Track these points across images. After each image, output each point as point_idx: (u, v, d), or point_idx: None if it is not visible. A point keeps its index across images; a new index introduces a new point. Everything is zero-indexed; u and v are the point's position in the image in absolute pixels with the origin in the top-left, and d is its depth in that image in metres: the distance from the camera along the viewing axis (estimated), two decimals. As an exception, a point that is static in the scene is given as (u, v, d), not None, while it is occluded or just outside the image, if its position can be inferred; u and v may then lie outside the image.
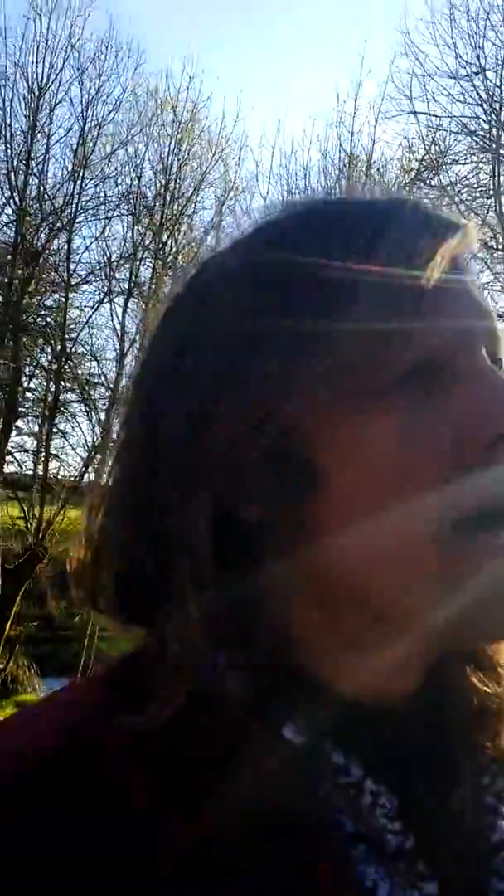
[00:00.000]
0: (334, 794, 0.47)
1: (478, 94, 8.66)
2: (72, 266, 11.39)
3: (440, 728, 0.53)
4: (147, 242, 12.06)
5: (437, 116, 9.29)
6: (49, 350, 11.59)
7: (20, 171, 11.04)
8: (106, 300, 11.72)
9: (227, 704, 0.47)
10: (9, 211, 11.19)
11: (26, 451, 11.79)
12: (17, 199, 11.07)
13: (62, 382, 11.54)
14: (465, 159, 9.82)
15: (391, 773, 0.48)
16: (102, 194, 11.65)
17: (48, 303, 11.75)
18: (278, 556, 0.50)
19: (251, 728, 0.46)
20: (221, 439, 0.49)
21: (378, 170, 11.90)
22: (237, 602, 0.49)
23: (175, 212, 12.00)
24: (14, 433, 11.30)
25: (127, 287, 11.66)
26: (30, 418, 12.04)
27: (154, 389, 0.54)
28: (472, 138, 9.15)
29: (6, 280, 11.02)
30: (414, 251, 0.49)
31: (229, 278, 0.53)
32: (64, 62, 11.28)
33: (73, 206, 11.28)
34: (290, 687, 0.48)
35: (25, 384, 11.73)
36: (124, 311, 11.51)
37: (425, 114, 9.31)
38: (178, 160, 12.07)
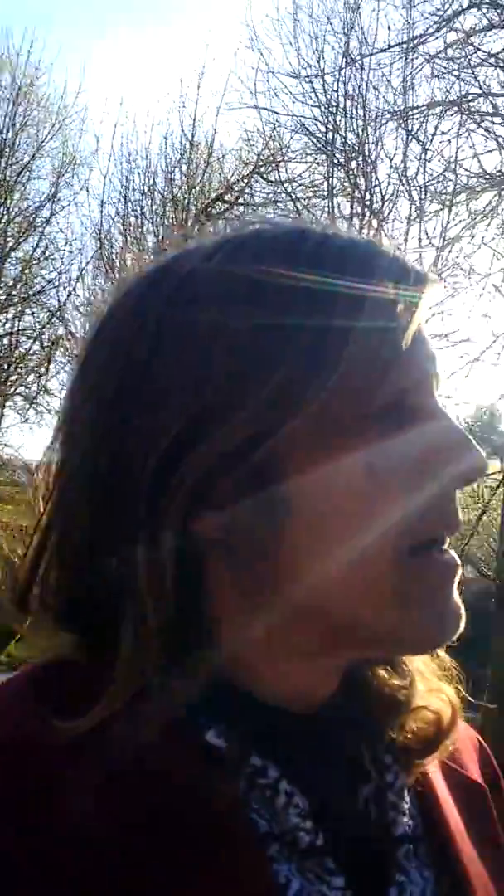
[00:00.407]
0: (251, 795, 0.51)
1: (317, 96, 8.94)
2: None
3: (349, 731, 0.57)
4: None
5: (277, 113, 9.50)
6: None
7: None
8: None
9: (157, 710, 0.49)
10: None
11: None
12: None
13: None
14: (302, 158, 10.13)
15: (303, 775, 0.52)
16: None
17: None
18: (238, 578, 0.54)
19: (177, 732, 0.50)
20: (197, 466, 0.51)
21: (218, 160, 12.01)
22: (191, 619, 0.52)
23: (8, 178, 11.49)
24: None
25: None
26: None
27: (116, 406, 0.54)
28: (309, 139, 9.44)
29: None
30: (395, 301, 0.53)
31: (216, 300, 0.53)
32: None
33: None
34: (216, 695, 0.52)
35: None
36: None
37: (267, 109, 9.49)
38: (16, 126, 11.55)
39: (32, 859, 0.46)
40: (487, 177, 7.93)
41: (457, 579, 0.54)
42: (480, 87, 7.98)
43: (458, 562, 0.55)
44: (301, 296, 0.52)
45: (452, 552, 0.55)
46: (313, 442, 0.52)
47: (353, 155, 8.67)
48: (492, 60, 8.05)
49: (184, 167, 11.57)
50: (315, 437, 0.52)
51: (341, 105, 8.66)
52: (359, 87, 8.54)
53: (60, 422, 0.58)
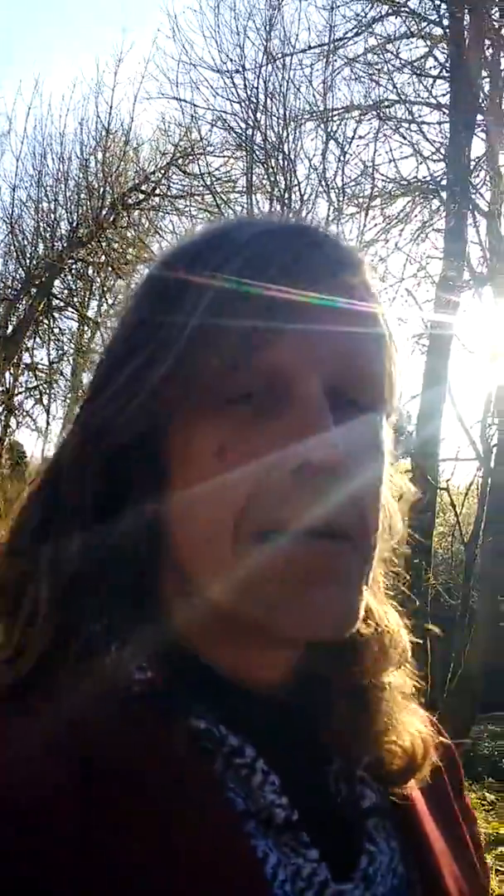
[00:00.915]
0: (226, 774, 0.52)
1: (237, 91, 8.94)
2: None
3: (315, 712, 0.59)
4: None
5: (197, 106, 9.45)
6: None
7: None
8: None
9: (132, 691, 0.52)
10: None
11: None
12: None
13: None
14: (221, 152, 10.12)
15: (275, 754, 0.54)
16: None
17: None
18: (148, 539, 0.56)
19: (156, 714, 0.51)
20: (98, 423, 0.57)
21: (134, 149, 11.85)
22: (136, 594, 0.56)
23: None
24: None
25: None
26: None
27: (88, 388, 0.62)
28: (229, 133, 9.44)
29: None
30: (252, 296, 0.53)
31: (135, 291, 0.62)
32: None
33: None
34: (190, 675, 0.54)
35: None
36: None
37: (188, 102, 9.43)
38: None
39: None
40: (403, 182, 8.13)
41: (327, 570, 0.52)
42: (398, 94, 8.17)
43: (341, 553, 0.53)
44: (172, 293, 0.57)
45: (335, 545, 0.53)
46: (179, 415, 0.55)
47: (273, 153, 8.71)
48: (408, 68, 8.26)
49: (99, 154, 11.37)
50: (180, 410, 0.55)
51: (262, 102, 8.70)
52: (280, 85, 8.60)
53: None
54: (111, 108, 11.11)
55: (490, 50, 7.90)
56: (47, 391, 11.87)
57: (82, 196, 11.58)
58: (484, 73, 7.87)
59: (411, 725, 0.62)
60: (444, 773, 0.66)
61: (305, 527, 0.52)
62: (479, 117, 7.70)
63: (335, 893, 0.52)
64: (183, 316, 0.54)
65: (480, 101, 7.64)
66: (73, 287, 12.60)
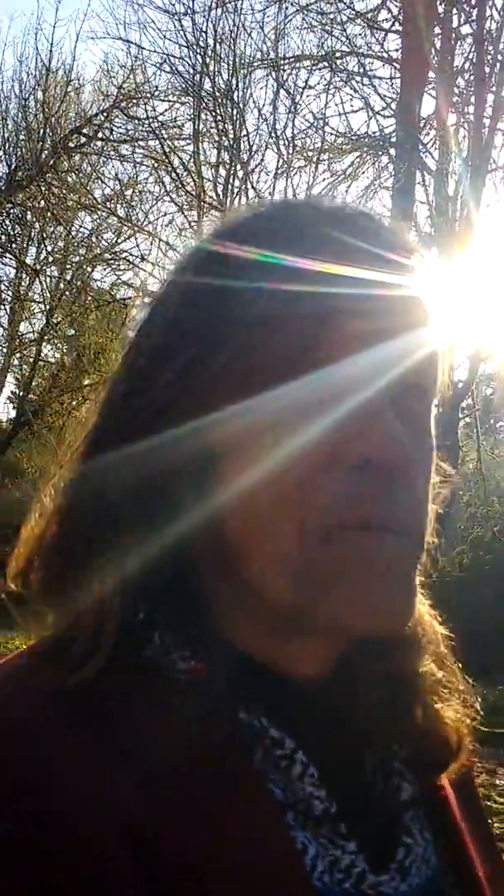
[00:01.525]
0: (266, 764, 0.52)
1: (185, 35, 8.68)
2: None
3: (352, 704, 0.59)
4: None
5: (143, 49, 9.15)
6: None
7: None
8: None
9: (176, 680, 0.51)
10: None
11: None
12: None
13: None
14: (166, 97, 9.85)
15: (313, 745, 0.54)
16: None
17: None
18: (195, 535, 0.55)
19: (199, 704, 0.51)
20: (146, 412, 0.55)
21: (76, 90, 11.45)
22: (171, 578, 0.55)
23: None
24: None
25: None
26: None
27: (112, 378, 0.60)
28: (176, 78, 9.18)
29: None
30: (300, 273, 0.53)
31: (182, 264, 0.59)
32: None
33: None
34: (230, 665, 0.53)
35: None
36: None
37: (134, 43, 9.12)
38: None
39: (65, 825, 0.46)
40: (353, 137, 8.06)
41: (392, 566, 0.53)
42: (350, 45, 8.04)
43: (403, 549, 0.53)
44: (230, 274, 0.55)
45: (397, 541, 0.53)
46: (228, 401, 0.54)
47: (222, 100, 8.52)
48: (361, 19, 8.13)
49: (39, 94, 10.94)
50: (228, 396, 0.54)
51: (211, 47, 8.47)
52: (231, 31, 8.37)
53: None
54: (51, 45, 10.69)
55: (442, 5, 7.83)
56: (-17, 340, 11.53)
57: (21, 137, 11.15)
58: (437, 31, 7.80)
59: (447, 716, 0.62)
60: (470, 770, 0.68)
61: (368, 523, 0.52)
62: (431, 75, 7.65)
63: (372, 885, 0.53)
64: (243, 302, 0.53)
65: (432, 56, 7.58)
66: (11, 233, 12.20)
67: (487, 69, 7.43)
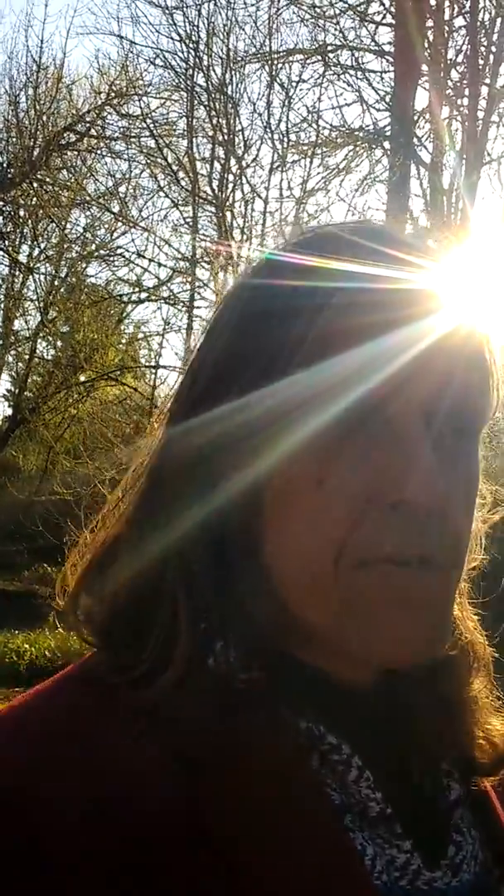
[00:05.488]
0: (323, 769, 0.54)
1: (178, 30, 8.65)
2: None
3: (406, 717, 0.60)
4: None
5: (136, 44, 9.12)
6: None
7: None
8: None
9: (237, 690, 0.53)
10: None
11: None
12: None
13: None
14: (159, 93, 9.82)
15: (367, 749, 0.55)
16: None
17: None
18: (251, 567, 0.56)
19: (258, 712, 0.53)
20: (206, 456, 0.56)
21: (68, 86, 11.39)
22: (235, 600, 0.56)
23: None
24: None
25: None
26: None
27: (168, 424, 0.60)
28: (169, 72, 9.15)
29: None
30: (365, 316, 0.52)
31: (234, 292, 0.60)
32: None
33: None
34: (286, 674, 0.55)
35: None
36: None
37: (126, 38, 9.08)
38: None
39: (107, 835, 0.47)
40: (347, 131, 8.06)
41: (426, 602, 0.54)
42: (343, 38, 8.04)
43: (438, 584, 0.54)
44: (279, 304, 0.55)
45: (430, 574, 0.54)
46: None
47: (216, 95, 8.50)
48: (352, 12, 8.12)
49: (30, 91, 10.89)
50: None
51: (204, 41, 8.44)
52: (224, 25, 8.35)
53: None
54: (42, 41, 10.63)
55: (434, -4, 7.82)
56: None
57: (12, 135, 11.10)
58: (430, 24, 7.80)
59: (494, 726, 0.64)
60: None
61: (402, 559, 0.53)
62: (425, 68, 7.66)
63: (427, 881, 0.55)
64: (293, 336, 0.54)
65: (424, 49, 7.58)
66: (4, 230, 12.16)
67: (482, 61, 7.44)
